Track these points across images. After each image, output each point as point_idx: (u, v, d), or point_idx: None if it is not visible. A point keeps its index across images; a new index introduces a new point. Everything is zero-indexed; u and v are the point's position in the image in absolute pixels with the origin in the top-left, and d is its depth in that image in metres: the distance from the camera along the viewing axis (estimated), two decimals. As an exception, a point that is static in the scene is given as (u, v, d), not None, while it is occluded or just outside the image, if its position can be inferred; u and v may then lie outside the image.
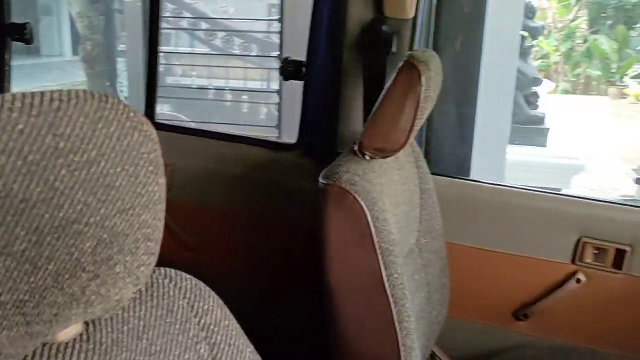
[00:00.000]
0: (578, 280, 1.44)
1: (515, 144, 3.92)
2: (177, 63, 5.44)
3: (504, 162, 2.32)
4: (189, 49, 5.64)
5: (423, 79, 1.03)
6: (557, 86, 13.34)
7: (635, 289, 1.42)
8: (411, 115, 1.04)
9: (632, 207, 1.45)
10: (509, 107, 2.25)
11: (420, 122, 1.07)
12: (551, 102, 11.25)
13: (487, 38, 1.88)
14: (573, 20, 13.34)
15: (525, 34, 4.72)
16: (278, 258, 1.53)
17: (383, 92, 1.08)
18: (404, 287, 0.98)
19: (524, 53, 4.59)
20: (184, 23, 5.13)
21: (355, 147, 1.08)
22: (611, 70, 12.82)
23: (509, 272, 1.50)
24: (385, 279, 0.96)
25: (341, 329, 1.00)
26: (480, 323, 1.54)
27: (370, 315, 0.99)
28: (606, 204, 1.46)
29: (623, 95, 12.39)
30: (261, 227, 1.55)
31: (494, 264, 1.50)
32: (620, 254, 1.41)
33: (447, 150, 1.84)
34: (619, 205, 1.49)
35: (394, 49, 1.35)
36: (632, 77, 12.97)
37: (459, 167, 1.88)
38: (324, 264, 1.00)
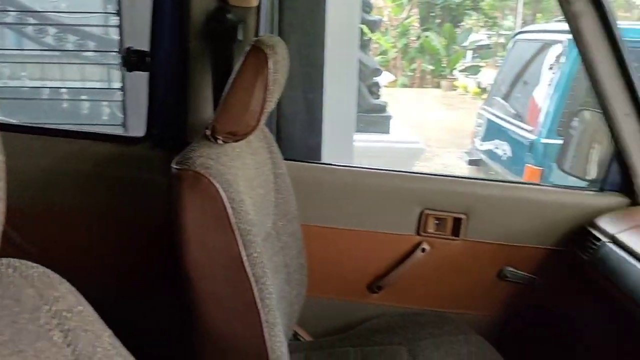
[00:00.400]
0: (423, 250, 1.57)
1: (362, 131, 4.15)
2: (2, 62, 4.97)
3: (352, 148, 2.43)
4: (16, 48, 5.16)
5: (270, 62, 1.05)
6: (396, 80, 14.21)
7: (472, 252, 1.58)
8: (261, 98, 1.06)
9: (465, 179, 1.62)
10: (353, 96, 2.36)
11: (270, 105, 1.10)
12: (392, 94, 11.97)
13: (329, 29, 1.96)
14: (406, 19, 14.30)
15: (364, 27, 4.98)
16: (133, 256, 1.47)
17: (232, 77, 1.09)
18: (264, 266, 1.00)
19: (364, 45, 4.85)
20: (10, 19, 4.69)
21: (208, 132, 1.08)
22: (442, 65, 13.94)
23: (362, 248, 1.59)
24: (244, 258, 0.97)
25: (203, 313, 1.00)
26: (339, 299, 1.61)
27: (232, 296, 1.00)
28: (443, 177, 1.61)
29: (454, 87, 13.53)
30: (113, 225, 1.48)
31: (347, 242, 1.58)
32: (457, 223, 1.56)
33: (298, 136, 1.90)
34: (454, 178, 1.65)
35: (240, 37, 1.36)
36: (460, 71, 14.23)
37: (311, 153, 1.94)
38: (182, 250, 0.98)
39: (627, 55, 1.42)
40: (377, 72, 5.01)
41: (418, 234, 1.57)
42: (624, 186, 1.53)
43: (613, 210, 1.51)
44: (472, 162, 4.78)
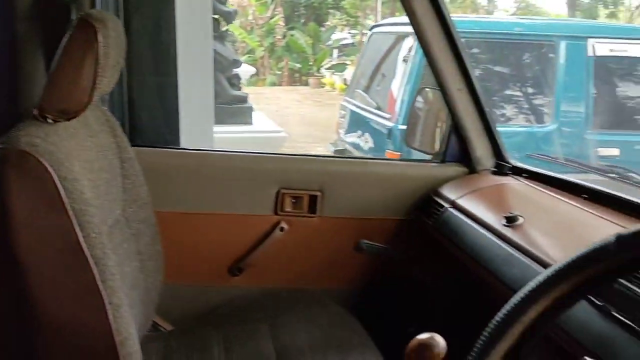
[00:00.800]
0: (282, 229, 1.59)
1: (223, 123, 4.12)
2: None
3: (212, 139, 2.40)
4: None
5: (100, 36, 1.01)
6: (265, 79, 14.27)
7: (328, 228, 1.63)
8: (91, 73, 1.01)
9: (318, 158, 1.66)
10: (210, 85, 2.33)
11: (104, 80, 1.05)
12: (261, 93, 12.00)
13: (180, 15, 1.93)
14: (272, 18, 14.41)
15: (219, 18, 4.94)
16: None
17: (59, 53, 1.03)
18: (104, 247, 0.96)
19: (220, 36, 4.81)
20: None
21: (36, 112, 1.01)
22: (309, 63, 14.22)
23: (220, 231, 1.58)
24: (82, 240, 0.92)
25: (41, 302, 0.93)
26: (200, 285, 1.59)
27: (71, 280, 0.94)
28: (297, 157, 1.64)
29: (321, 85, 13.86)
30: None
31: (205, 226, 1.56)
32: (313, 200, 1.60)
33: (154, 124, 1.85)
34: (308, 157, 1.69)
35: (73, 17, 1.29)
36: (327, 69, 14.61)
37: (169, 142, 1.89)
38: (11, 236, 0.91)
39: (457, 36, 1.53)
40: (236, 63, 5.00)
41: (276, 213, 1.59)
42: (463, 157, 1.65)
43: (454, 179, 1.63)
44: (337, 153, 4.92)
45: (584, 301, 0.94)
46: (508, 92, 4.17)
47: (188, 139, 2.02)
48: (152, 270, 1.35)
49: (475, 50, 4.19)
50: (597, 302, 0.88)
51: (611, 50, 3.95)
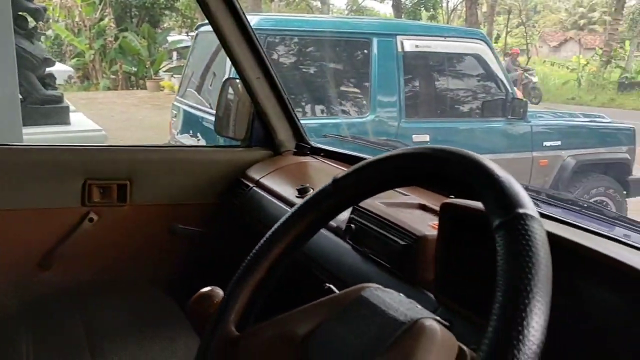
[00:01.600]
0: (91, 220, 1.60)
1: (38, 124, 3.90)
2: None
3: (21, 140, 2.31)
4: None
5: None
6: (98, 83, 13.59)
7: (141, 216, 1.67)
8: None
9: (125, 147, 1.69)
10: (14, 84, 2.23)
11: None
12: (94, 98, 11.43)
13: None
14: (101, 19, 13.74)
15: (26, 15, 4.66)
16: None
17: None
18: None
19: (28, 34, 4.54)
20: None
21: None
22: (146, 66, 13.78)
23: (26, 227, 1.55)
24: None
25: None
26: (8, 282, 1.54)
27: None
28: (103, 147, 1.65)
29: (160, 88, 13.51)
30: None
31: (9, 223, 1.53)
32: (122, 189, 1.62)
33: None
34: (115, 147, 1.71)
35: None
36: (166, 71, 14.27)
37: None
38: None
39: (252, 29, 1.65)
40: (48, 62, 4.74)
41: (84, 204, 1.59)
42: (267, 141, 1.78)
43: (259, 161, 1.75)
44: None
45: (326, 234, 1.12)
46: (336, 86, 4.44)
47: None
48: None
49: (309, 50, 4.42)
50: (337, 234, 1.06)
51: (417, 47, 4.38)
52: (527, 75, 14.08)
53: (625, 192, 4.68)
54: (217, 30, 1.60)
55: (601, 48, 18.81)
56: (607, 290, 0.64)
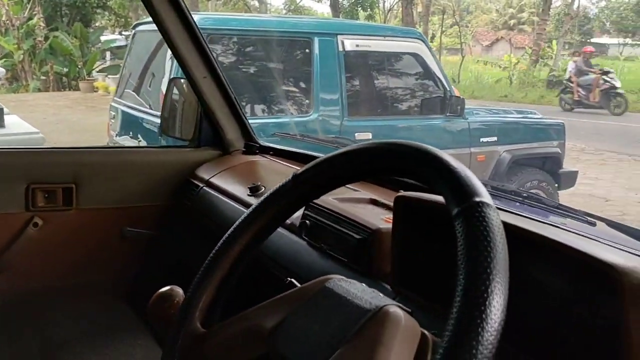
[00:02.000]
0: (35, 225, 1.55)
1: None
2: None
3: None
4: None
5: None
6: (27, 85, 13.06)
7: (89, 220, 1.63)
8: None
9: (69, 149, 1.65)
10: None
11: None
12: (24, 100, 10.98)
13: None
14: (30, 18, 13.20)
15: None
16: None
17: None
18: None
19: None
20: None
21: None
22: (78, 67, 13.34)
23: None
24: None
25: None
26: None
27: None
28: (46, 150, 1.61)
29: (94, 89, 13.10)
30: None
31: None
32: (68, 193, 1.58)
33: None
34: (59, 150, 1.67)
35: None
36: (99, 72, 13.85)
37: None
38: None
39: (197, 27, 1.64)
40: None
41: (28, 209, 1.54)
42: (215, 140, 1.78)
43: (208, 161, 1.75)
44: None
45: (282, 232, 1.14)
46: (278, 85, 4.44)
47: None
48: None
49: (250, 49, 4.41)
50: (292, 231, 1.09)
51: (357, 46, 4.45)
52: (605, 79, 12.13)
53: (557, 185, 4.90)
54: (162, 30, 1.59)
55: (530, 47, 19.62)
56: (551, 271, 0.69)
